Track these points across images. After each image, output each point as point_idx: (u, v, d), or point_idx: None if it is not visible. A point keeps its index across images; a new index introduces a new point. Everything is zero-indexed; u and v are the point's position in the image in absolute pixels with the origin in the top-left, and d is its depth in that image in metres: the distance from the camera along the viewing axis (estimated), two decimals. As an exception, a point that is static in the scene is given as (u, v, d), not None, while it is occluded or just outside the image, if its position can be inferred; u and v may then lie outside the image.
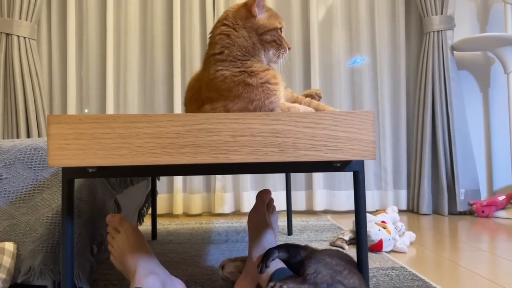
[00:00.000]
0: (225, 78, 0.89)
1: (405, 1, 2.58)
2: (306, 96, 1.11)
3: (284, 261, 1.00)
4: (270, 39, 0.93)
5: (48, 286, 1.10)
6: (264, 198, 1.22)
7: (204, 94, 0.95)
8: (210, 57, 0.93)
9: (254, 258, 1.05)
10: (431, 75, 2.44)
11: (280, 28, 0.96)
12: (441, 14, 2.44)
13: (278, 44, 0.95)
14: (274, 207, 1.27)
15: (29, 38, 2.37)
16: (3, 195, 1.12)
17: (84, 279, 1.07)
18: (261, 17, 0.93)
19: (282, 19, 0.99)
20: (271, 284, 0.82)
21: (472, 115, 2.65)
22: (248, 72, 0.89)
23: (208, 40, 0.97)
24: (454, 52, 2.51)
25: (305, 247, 1.04)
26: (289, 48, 0.98)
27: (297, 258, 1.00)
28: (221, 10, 2.48)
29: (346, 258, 0.91)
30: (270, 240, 1.10)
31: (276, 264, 0.97)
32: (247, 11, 0.93)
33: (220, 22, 0.94)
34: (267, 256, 0.98)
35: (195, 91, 1.01)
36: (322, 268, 0.84)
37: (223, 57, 0.90)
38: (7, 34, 2.34)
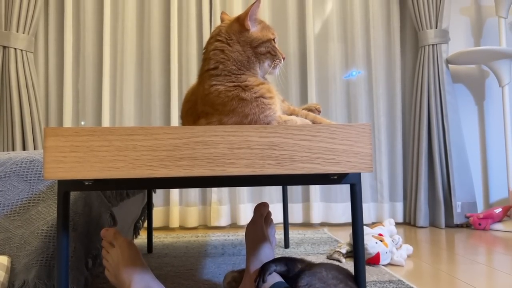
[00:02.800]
0: (219, 92, 0.89)
1: (400, 15, 2.61)
2: (306, 110, 1.11)
3: (282, 275, 0.99)
4: (264, 50, 0.93)
5: (42, 301, 1.08)
6: (262, 211, 1.22)
7: (199, 108, 0.95)
8: (205, 73, 0.94)
9: (251, 271, 1.04)
10: (427, 88, 2.46)
11: (273, 39, 0.96)
12: (436, 28, 2.47)
13: (272, 55, 0.95)
14: (271, 220, 1.27)
15: (26, 51, 2.37)
16: (-2, 208, 1.11)
17: (79, 293, 1.06)
18: (254, 30, 0.94)
19: (274, 30, 0.99)
20: None
21: (468, 128, 2.67)
22: (242, 86, 0.89)
23: (202, 56, 0.98)
24: (449, 65, 2.53)
25: (303, 261, 1.03)
26: (283, 58, 0.98)
27: (295, 271, 0.99)
28: (218, 22, 2.49)
29: (344, 272, 0.90)
30: (268, 253, 1.09)
31: (274, 278, 0.96)
32: (240, 25, 0.93)
33: (214, 38, 0.95)
34: (264, 270, 0.97)
35: (191, 105, 1.01)
36: (316, 281, 0.83)
37: (218, 72, 0.91)
38: (4, 47, 2.34)
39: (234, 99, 0.88)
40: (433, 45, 2.47)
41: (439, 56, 2.45)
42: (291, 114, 1.02)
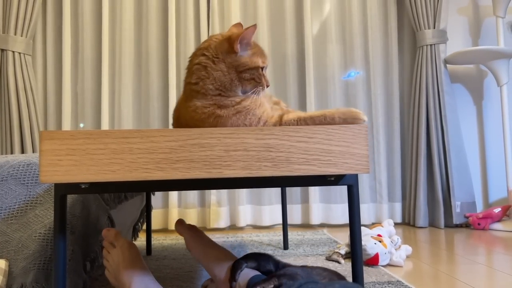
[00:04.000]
0: (196, 108, 0.88)
1: (397, 15, 2.61)
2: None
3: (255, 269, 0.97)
4: (249, 77, 0.90)
5: (40, 304, 1.08)
6: (184, 226, 1.18)
7: (182, 121, 0.95)
8: (187, 85, 0.92)
9: (219, 276, 1.00)
10: (425, 88, 2.46)
11: (262, 67, 0.93)
12: (434, 28, 2.47)
13: (257, 82, 0.91)
14: (194, 226, 1.22)
15: (24, 54, 2.37)
16: (-5, 211, 1.11)
17: (77, 297, 1.05)
18: (244, 54, 0.91)
19: (267, 57, 0.96)
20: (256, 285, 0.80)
21: (466, 128, 2.67)
22: (217, 105, 0.88)
23: (187, 64, 0.96)
24: (447, 65, 2.54)
25: (277, 259, 1.01)
26: (267, 86, 0.95)
27: (267, 267, 0.97)
28: (215, 23, 2.50)
29: (329, 270, 0.90)
30: (225, 252, 1.06)
31: (248, 273, 0.95)
32: (229, 45, 0.90)
33: (201, 51, 0.92)
34: (234, 268, 0.94)
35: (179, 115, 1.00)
36: (299, 271, 0.83)
37: (198, 88, 0.89)
38: (2, 50, 2.34)
39: (210, 116, 0.87)
40: (431, 45, 2.47)
41: (437, 56, 2.46)
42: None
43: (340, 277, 0.87)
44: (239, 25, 1.01)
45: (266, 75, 0.95)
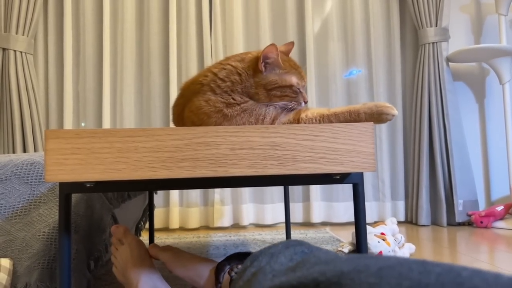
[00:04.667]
0: (209, 99, 0.88)
1: (400, 13, 2.61)
2: None
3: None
4: (279, 94, 0.89)
5: (44, 303, 1.08)
6: (159, 249, 1.05)
7: (186, 115, 0.93)
8: (205, 77, 0.91)
9: (200, 282, 0.94)
10: (427, 87, 2.45)
11: (298, 88, 0.90)
12: (436, 26, 2.46)
13: (291, 97, 0.90)
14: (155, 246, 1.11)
15: (25, 53, 2.37)
16: (-1, 211, 1.11)
17: (81, 296, 1.05)
18: (272, 73, 0.89)
19: (304, 78, 0.93)
20: (232, 268, 0.78)
21: (469, 126, 2.66)
22: (227, 103, 0.88)
23: (217, 64, 0.94)
24: (450, 63, 2.53)
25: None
26: (305, 102, 0.93)
27: None
28: (218, 23, 2.49)
29: None
30: (206, 260, 1.00)
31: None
32: (256, 65, 0.89)
33: (238, 57, 0.92)
34: (218, 270, 0.89)
35: (181, 109, 0.99)
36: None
37: (222, 84, 0.88)
38: (4, 49, 2.34)
39: (219, 112, 0.87)
40: (433, 43, 2.46)
41: (439, 54, 2.45)
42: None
43: None
44: (290, 44, 1.00)
45: (304, 93, 0.93)
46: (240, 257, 0.93)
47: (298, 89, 0.91)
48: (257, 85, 0.89)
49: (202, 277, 0.96)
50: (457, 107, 2.46)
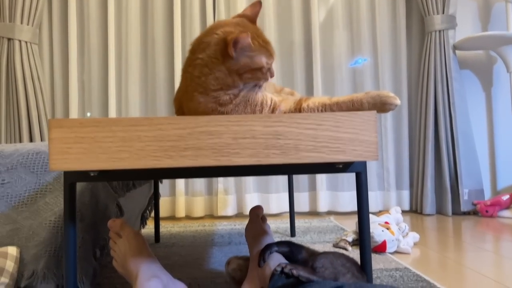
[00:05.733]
0: (199, 103, 0.88)
1: (406, 1, 2.58)
2: None
3: (285, 256, 0.99)
4: (251, 76, 0.87)
5: (51, 291, 1.10)
6: (258, 213, 1.29)
7: (186, 112, 0.94)
8: (188, 74, 0.90)
9: (253, 253, 1.07)
10: (433, 75, 2.43)
11: (268, 65, 0.89)
12: (443, 13, 2.43)
13: (259, 78, 0.88)
14: (265, 218, 1.34)
15: (30, 43, 2.37)
16: (6, 199, 1.13)
17: (87, 283, 1.07)
18: (243, 57, 0.85)
19: (273, 53, 0.90)
20: (282, 264, 0.82)
21: (475, 115, 2.64)
22: (218, 102, 0.87)
23: (191, 50, 0.92)
24: (456, 51, 2.50)
25: (308, 248, 1.03)
26: (271, 77, 0.91)
27: (299, 256, 0.98)
28: (222, 11, 2.48)
29: (350, 260, 0.90)
30: (269, 242, 1.10)
31: (278, 259, 0.96)
32: (225, 49, 0.83)
33: (203, 46, 0.87)
34: (265, 249, 0.97)
35: (179, 106, 1.00)
36: (329, 265, 0.84)
37: (200, 82, 0.87)
38: (9, 39, 2.34)
39: (214, 111, 0.87)
40: (439, 31, 2.44)
41: (446, 42, 2.43)
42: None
43: (359, 269, 0.87)
44: (256, 5, 0.94)
45: (271, 68, 0.91)
46: (289, 244, 1.00)
47: (265, 70, 0.89)
48: (229, 71, 0.85)
49: (255, 247, 1.10)
50: (463, 95, 2.44)
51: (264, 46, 0.89)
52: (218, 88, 0.86)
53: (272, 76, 0.91)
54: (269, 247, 0.97)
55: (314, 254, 0.99)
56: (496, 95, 2.65)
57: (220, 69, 0.85)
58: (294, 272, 0.79)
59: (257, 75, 0.88)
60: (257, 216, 1.27)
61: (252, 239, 1.18)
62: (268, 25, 2.51)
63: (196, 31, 2.49)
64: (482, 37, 2.31)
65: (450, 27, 2.44)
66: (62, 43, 2.52)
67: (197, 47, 0.90)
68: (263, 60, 0.87)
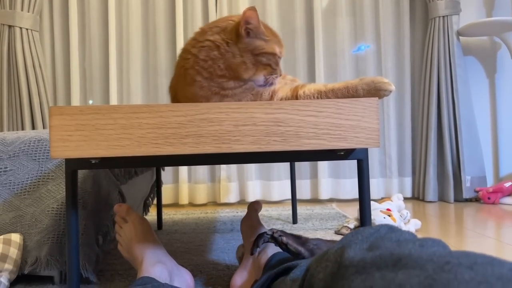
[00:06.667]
0: (202, 88, 0.86)
1: (409, -14, 2.55)
2: None
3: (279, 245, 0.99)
4: (265, 61, 0.86)
5: (54, 277, 1.11)
6: (256, 207, 1.28)
7: (180, 94, 0.92)
8: (187, 60, 0.88)
9: (248, 242, 1.07)
10: (437, 61, 2.41)
11: (279, 56, 0.89)
12: (447, -1, 2.40)
13: (272, 68, 0.87)
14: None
15: (31, 30, 2.36)
16: (8, 187, 1.13)
17: (90, 269, 1.08)
18: (257, 39, 0.85)
19: (284, 49, 0.91)
20: (273, 229, 0.82)
21: (478, 101, 2.63)
22: (222, 87, 0.86)
23: (196, 35, 0.91)
24: (460, 37, 2.48)
25: (302, 236, 1.03)
26: (280, 75, 0.91)
27: (294, 245, 0.99)
28: (223, -2, 2.46)
29: None
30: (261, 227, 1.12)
31: (273, 249, 0.97)
32: (238, 30, 0.85)
33: (217, 29, 0.87)
34: (258, 237, 0.96)
35: (175, 93, 0.99)
36: (325, 247, 0.83)
37: (205, 65, 0.85)
38: (10, 26, 2.33)
39: (217, 95, 0.86)
40: (443, 16, 2.41)
41: (450, 28, 2.40)
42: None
43: None
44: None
45: (280, 66, 0.91)
46: (285, 232, 1.00)
47: (278, 60, 0.89)
48: (243, 51, 0.84)
49: (249, 237, 1.11)
50: (466, 82, 2.42)
51: (275, 37, 0.90)
52: (223, 74, 0.85)
53: (280, 73, 0.91)
54: (262, 235, 0.96)
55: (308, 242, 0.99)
56: (499, 82, 2.63)
57: (231, 50, 0.84)
58: (284, 239, 0.79)
59: (272, 60, 0.87)
60: (255, 210, 1.27)
61: (247, 229, 1.18)
62: (270, 11, 2.49)
63: (197, 18, 2.47)
64: (486, 23, 2.29)
65: (454, 12, 2.41)
66: (63, 30, 2.51)
67: (208, 30, 0.88)
68: (275, 47, 0.88)
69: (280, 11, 2.54)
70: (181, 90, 0.91)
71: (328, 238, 1.48)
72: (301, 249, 0.79)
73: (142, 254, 0.97)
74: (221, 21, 0.89)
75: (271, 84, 0.89)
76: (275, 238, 0.80)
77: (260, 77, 0.87)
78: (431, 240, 0.44)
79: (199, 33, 0.90)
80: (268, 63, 0.86)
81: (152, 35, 2.52)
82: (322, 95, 0.88)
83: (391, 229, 0.52)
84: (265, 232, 0.98)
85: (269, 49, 0.86)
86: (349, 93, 0.85)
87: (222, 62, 0.85)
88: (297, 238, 0.91)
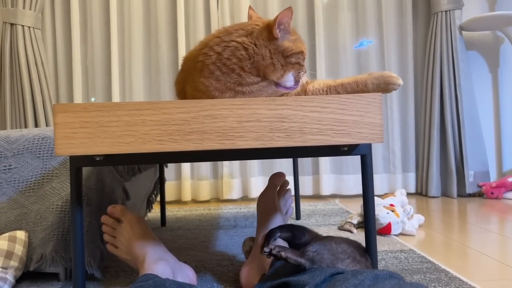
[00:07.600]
0: (218, 81, 0.85)
1: (412, -19, 2.54)
2: None
3: (287, 240, 1.00)
4: (295, 61, 0.87)
5: (59, 274, 1.11)
6: (276, 182, 1.20)
7: (188, 91, 0.91)
8: (214, 53, 0.87)
9: (259, 240, 1.06)
10: (439, 56, 2.40)
11: (305, 53, 0.91)
12: (449, -7, 2.39)
13: (301, 65, 0.89)
14: (288, 190, 1.26)
15: (33, 28, 2.36)
16: (13, 184, 1.14)
17: (95, 266, 1.08)
18: (285, 40, 0.87)
19: (305, 43, 0.93)
20: (271, 246, 0.82)
21: (481, 96, 2.62)
22: (238, 83, 0.85)
23: (216, 38, 0.89)
24: (463, 32, 2.47)
25: (311, 231, 1.03)
26: (305, 72, 0.92)
27: (302, 239, 0.99)
28: (225, -6, 2.45)
29: (353, 245, 0.89)
30: (277, 223, 1.10)
31: (282, 244, 0.97)
32: (269, 33, 0.85)
33: (244, 32, 0.87)
34: (269, 236, 0.97)
35: (182, 86, 0.98)
36: (325, 251, 0.83)
37: (229, 63, 0.84)
38: (12, 24, 2.33)
39: (231, 90, 0.85)
40: (446, 11, 2.40)
41: (452, 23, 2.39)
42: None
43: (362, 252, 0.87)
44: (251, 9, 0.98)
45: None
46: (291, 228, 1.01)
47: (305, 56, 0.90)
48: (274, 53, 0.85)
49: (259, 233, 1.07)
50: (469, 77, 2.42)
51: (296, 33, 0.91)
52: (249, 71, 0.85)
53: (305, 71, 0.92)
54: (272, 233, 0.97)
55: (317, 237, 0.99)
56: (502, 76, 2.62)
57: (261, 53, 0.85)
58: (282, 254, 0.80)
59: (299, 60, 0.87)
60: (273, 186, 1.20)
61: (261, 213, 1.15)
62: (271, 6, 2.48)
63: (199, 15, 2.46)
64: (489, 17, 2.28)
65: (457, 7, 2.40)
66: (64, 27, 2.51)
67: (234, 31, 0.88)
68: (302, 45, 0.89)
69: (281, 6, 2.53)
70: (193, 82, 0.90)
71: (332, 234, 1.49)
72: (301, 260, 0.80)
73: (143, 253, 0.97)
74: (246, 24, 0.90)
75: (298, 82, 0.89)
76: (274, 254, 0.80)
77: (289, 77, 0.88)
78: None
79: (223, 33, 0.89)
80: (297, 61, 0.87)
81: (153, 32, 2.52)
82: (332, 89, 0.88)
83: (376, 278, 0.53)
84: (274, 231, 0.98)
85: (298, 49, 0.87)
86: (359, 87, 0.85)
87: (249, 63, 0.85)
88: (296, 248, 0.92)
